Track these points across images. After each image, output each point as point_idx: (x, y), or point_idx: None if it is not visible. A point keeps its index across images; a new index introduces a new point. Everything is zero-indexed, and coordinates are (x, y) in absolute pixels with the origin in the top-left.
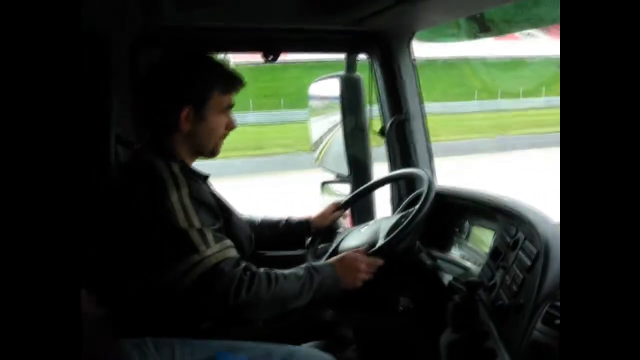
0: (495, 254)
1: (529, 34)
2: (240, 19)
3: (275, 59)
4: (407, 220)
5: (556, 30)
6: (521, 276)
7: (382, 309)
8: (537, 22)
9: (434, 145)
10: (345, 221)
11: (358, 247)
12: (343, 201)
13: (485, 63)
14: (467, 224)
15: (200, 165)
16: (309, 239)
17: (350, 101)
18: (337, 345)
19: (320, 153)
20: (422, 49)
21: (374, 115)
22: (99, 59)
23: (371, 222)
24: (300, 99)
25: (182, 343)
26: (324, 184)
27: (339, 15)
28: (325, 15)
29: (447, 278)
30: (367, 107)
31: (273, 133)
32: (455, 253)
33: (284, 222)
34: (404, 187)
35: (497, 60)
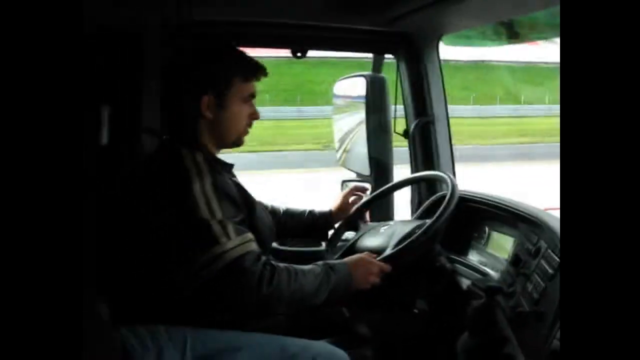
0: (516, 260)
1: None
2: (268, 15)
3: (304, 55)
4: (420, 231)
5: None
6: (542, 284)
7: (399, 310)
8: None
9: None
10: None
11: (375, 248)
12: (364, 200)
13: (494, 67)
14: (486, 229)
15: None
16: (332, 231)
17: (375, 101)
18: (352, 342)
19: (342, 151)
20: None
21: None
22: (131, 53)
23: (391, 223)
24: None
25: (195, 332)
26: (344, 182)
27: (368, 15)
28: (354, 14)
29: (465, 283)
30: (391, 108)
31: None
32: (473, 258)
33: (307, 212)
34: (425, 190)
35: (508, 65)
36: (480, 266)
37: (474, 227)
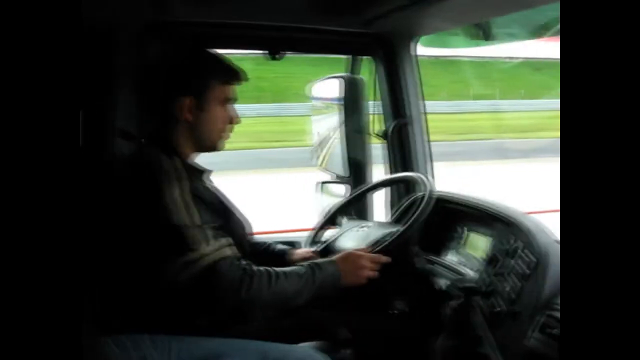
0: (492, 260)
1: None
2: (244, 16)
3: (281, 57)
4: (407, 225)
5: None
6: (519, 284)
7: (378, 311)
8: (539, 33)
9: None
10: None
11: (355, 248)
12: (341, 202)
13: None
14: (464, 229)
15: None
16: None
17: (353, 103)
18: (333, 346)
19: (321, 153)
20: None
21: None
22: (103, 53)
23: (369, 224)
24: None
25: (179, 340)
26: (322, 183)
27: (344, 17)
28: (330, 16)
29: (442, 283)
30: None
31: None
32: (451, 258)
33: (266, 245)
34: (403, 190)
35: (481, 61)
36: (459, 266)
37: (451, 227)
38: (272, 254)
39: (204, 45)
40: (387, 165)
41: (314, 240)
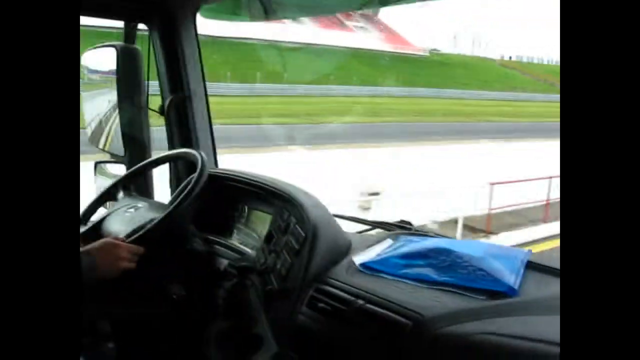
0: (269, 237)
1: (362, 27)
2: None
3: None
4: (172, 207)
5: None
6: (289, 260)
7: (152, 299)
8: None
9: None
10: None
11: (116, 233)
12: (115, 181)
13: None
14: (245, 207)
15: None
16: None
17: (128, 75)
18: (92, 342)
19: (94, 131)
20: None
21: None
22: None
23: (140, 204)
24: None
25: None
26: (97, 164)
27: None
28: None
29: (221, 263)
30: (146, 83)
31: None
32: (235, 237)
33: None
34: (183, 168)
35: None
36: (240, 246)
37: (233, 206)
38: None
39: None
40: (167, 143)
41: (83, 219)
